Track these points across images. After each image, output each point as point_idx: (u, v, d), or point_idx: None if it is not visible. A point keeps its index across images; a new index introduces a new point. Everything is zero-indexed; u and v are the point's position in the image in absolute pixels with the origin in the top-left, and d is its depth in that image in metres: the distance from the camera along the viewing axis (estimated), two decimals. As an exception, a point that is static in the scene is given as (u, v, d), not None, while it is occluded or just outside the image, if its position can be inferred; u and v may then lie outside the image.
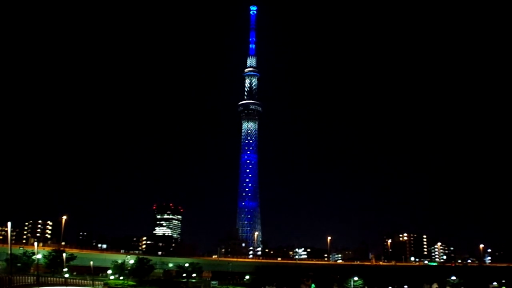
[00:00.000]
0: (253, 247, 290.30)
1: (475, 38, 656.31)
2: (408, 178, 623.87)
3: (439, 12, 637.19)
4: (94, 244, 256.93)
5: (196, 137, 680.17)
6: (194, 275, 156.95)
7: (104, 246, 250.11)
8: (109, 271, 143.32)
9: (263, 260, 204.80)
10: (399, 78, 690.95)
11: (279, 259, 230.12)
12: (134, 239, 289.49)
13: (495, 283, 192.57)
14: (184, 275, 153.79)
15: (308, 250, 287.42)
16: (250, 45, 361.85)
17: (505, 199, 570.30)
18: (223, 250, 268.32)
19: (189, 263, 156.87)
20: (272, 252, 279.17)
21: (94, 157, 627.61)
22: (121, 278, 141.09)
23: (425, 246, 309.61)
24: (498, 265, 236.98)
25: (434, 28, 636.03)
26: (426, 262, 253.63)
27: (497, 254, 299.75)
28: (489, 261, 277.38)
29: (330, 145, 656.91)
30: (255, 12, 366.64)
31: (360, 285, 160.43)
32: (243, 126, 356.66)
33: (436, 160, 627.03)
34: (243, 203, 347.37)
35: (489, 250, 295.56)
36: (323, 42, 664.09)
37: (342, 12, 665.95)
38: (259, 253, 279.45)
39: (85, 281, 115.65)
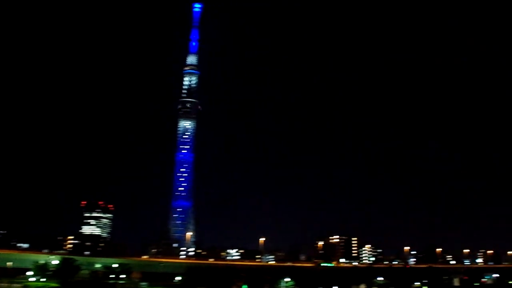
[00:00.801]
0: (186, 248, 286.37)
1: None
2: (341, 180, 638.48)
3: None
4: (13, 243, 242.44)
5: (130, 135, 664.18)
6: (123, 276, 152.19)
7: (26, 245, 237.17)
8: (30, 273, 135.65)
9: (195, 261, 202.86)
10: (336, 77, 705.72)
11: (211, 260, 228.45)
12: (59, 238, 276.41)
13: (417, 283, 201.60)
14: (112, 276, 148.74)
15: (241, 251, 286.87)
16: (192, 43, 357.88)
17: (429, 203, 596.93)
18: (155, 250, 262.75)
19: (118, 264, 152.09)
20: (204, 253, 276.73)
21: (16, 149, 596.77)
22: (43, 280, 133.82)
23: (354, 248, 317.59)
24: (421, 266, 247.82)
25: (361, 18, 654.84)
26: (355, 263, 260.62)
27: (420, 256, 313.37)
28: (413, 262, 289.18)
29: (266, 146, 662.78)
30: (199, 9, 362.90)
31: (292, 286, 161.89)
32: (180, 124, 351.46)
33: (366, 163, 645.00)
34: (177, 203, 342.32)
35: (414, 252, 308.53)
36: (266, 43, 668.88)
37: (287, 13, 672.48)
38: (192, 253, 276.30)
39: (1, 284, 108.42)
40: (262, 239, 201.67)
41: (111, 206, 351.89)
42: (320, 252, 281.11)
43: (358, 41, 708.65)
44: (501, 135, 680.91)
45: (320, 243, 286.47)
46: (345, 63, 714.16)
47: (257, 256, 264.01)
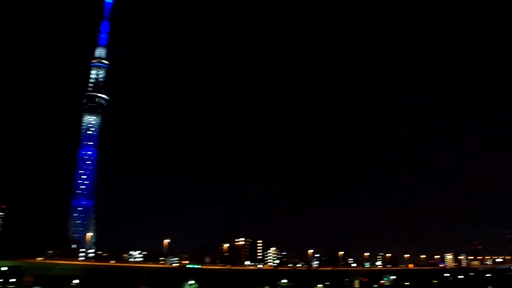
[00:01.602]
0: (85, 249, 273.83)
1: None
2: (247, 182, 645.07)
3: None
4: None
5: (30, 129, 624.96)
6: (12, 280, 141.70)
7: None
8: None
9: (94, 263, 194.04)
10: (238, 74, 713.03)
11: (112, 262, 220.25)
12: None
13: (320, 285, 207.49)
14: (1, 280, 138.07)
15: (145, 252, 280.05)
16: (101, 35, 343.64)
17: (332, 208, 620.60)
18: (51, 252, 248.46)
19: (8, 267, 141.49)
20: (105, 254, 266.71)
21: None
22: None
23: (259, 251, 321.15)
24: (323, 269, 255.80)
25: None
26: (260, 266, 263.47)
27: (323, 259, 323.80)
28: (317, 265, 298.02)
29: (175, 146, 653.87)
30: (110, 1, 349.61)
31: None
32: (84, 119, 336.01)
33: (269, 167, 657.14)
34: (77, 202, 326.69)
35: (317, 255, 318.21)
36: (176, 39, 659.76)
37: (200, 8, 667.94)
38: (92, 255, 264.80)
39: None
40: (166, 241, 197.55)
41: (3, 205, 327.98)
42: (226, 254, 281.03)
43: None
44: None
45: (226, 245, 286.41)
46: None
47: (160, 258, 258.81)
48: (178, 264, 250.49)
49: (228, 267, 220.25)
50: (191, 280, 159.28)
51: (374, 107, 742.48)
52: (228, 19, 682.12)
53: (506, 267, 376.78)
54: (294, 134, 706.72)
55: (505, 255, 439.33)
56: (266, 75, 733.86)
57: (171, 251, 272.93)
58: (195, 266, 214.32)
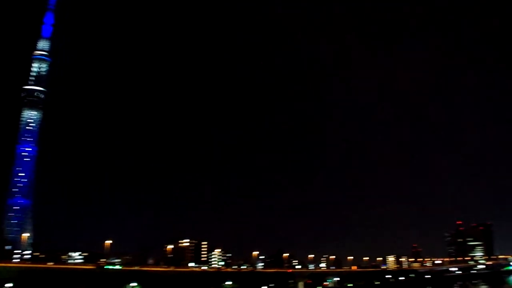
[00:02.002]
0: (21, 250, 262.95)
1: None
2: (192, 184, 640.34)
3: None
4: None
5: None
6: None
7: None
8: None
9: (30, 265, 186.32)
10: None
11: (50, 263, 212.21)
12: None
13: (264, 287, 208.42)
14: None
15: (85, 254, 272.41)
16: (44, 27, 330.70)
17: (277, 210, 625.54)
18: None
19: None
20: (43, 256, 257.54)
21: None
22: None
23: (204, 252, 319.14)
24: (268, 270, 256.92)
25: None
26: (204, 267, 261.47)
27: (268, 260, 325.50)
28: (261, 267, 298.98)
29: (119, 144, 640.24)
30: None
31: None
32: (23, 114, 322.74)
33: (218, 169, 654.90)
34: (14, 200, 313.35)
35: (262, 257, 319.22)
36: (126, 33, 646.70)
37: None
38: (28, 257, 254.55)
39: None
40: (108, 242, 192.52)
41: None
42: (169, 256, 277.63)
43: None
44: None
45: (170, 246, 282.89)
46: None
47: (101, 260, 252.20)
48: (120, 266, 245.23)
49: (171, 269, 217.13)
50: (133, 282, 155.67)
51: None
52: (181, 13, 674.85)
53: (445, 268, 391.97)
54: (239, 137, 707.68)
55: (444, 257, 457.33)
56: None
57: (113, 252, 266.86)
58: (115, 267, 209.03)
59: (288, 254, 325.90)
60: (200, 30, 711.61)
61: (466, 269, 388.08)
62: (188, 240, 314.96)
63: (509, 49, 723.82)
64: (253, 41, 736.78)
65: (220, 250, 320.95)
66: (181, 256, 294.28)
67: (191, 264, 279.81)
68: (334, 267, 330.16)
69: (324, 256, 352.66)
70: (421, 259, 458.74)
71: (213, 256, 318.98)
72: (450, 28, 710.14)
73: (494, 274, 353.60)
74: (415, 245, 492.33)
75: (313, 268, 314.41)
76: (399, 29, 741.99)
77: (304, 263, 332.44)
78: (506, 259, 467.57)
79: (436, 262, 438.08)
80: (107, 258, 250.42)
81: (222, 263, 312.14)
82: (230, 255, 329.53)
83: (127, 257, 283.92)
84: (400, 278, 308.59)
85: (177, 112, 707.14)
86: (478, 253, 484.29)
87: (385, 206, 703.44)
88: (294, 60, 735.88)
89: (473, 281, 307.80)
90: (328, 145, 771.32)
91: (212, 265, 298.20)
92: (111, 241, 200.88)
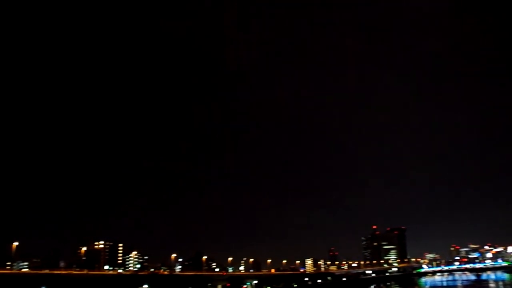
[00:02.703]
0: None
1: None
2: (109, 184, 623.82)
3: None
4: None
5: None
6: None
7: None
8: None
9: None
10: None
11: None
12: None
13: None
14: None
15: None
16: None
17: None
18: None
19: None
20: None
21: None
22: None
23: (120, 255, 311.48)
24: (187, 273, 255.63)
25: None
26: (120, 271, 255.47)
27: (186, 263, 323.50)
28: (180, 269, 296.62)
29: (32, 143, 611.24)
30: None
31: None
32: None
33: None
34: None
35: (180, 260, 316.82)
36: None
37: None
38: None
39: None
40: (14, 244, 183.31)
41: None
42: (83, 258, 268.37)
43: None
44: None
45: (83, 249, 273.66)
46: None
47: (7, 263, 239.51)
48: (28, 269, 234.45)
49: (85, 272, 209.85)
50: (42, 286, 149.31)
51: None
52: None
53: (361, 271, 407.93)
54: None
55: (360, 260, 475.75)
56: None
57: (20, 255, 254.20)
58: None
59: (206, 257, 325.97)
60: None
61: (380, 272, 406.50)
62: (103, 242, 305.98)
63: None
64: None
65: (136, 252, 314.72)
66: (95, 258, 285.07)
67: (106, 267, 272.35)
68: (252, 270, 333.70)
69: (243, 259, 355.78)
70: (338, 262, 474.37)
71: (129, 258, 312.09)
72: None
73: (406, 276, 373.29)
74: (333, 248, 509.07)
75: (231, 271, 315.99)
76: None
77: (223, 266, 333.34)
78: (418, 261, 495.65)
79: (352, 265, 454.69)
80: (13, 261, 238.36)
81: (139, 266, 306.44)
82: (147, 257, 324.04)
83: (36, 260, 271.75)
84: (318, 281, 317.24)
85: (91, 111, 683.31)
86: (392, 257, 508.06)
87: (304, 210, 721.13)
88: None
89: (387, 283, 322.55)
90: (245, 151, 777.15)
91: (129, 268, 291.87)
92: (17, 243, 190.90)
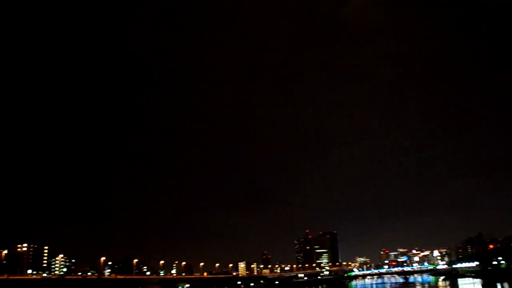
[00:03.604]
0: None
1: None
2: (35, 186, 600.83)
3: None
4: None
5: None
6: None
7: None
8: None
9: None
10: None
11: None
12: None
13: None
14: None
15: None
16: None
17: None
18: None
19: None
20: None
21: None
22: None
23: (45, 258, 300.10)
24: (116, 277, 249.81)
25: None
26: (44, 275, 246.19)
27: (116, 266, 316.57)
28: (109, 273, 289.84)
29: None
30: None
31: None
32: None
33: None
34: None
35: (110, 263, 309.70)
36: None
37: None
38: None
39: None
40: None
41: None
42: (3, 262, 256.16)
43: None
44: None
45: (4, 252, 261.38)
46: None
47: None
48: None
49: (5, 277, 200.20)
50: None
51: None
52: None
53: (293, 274, 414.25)
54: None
55: (293, 264, 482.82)
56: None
57: None
58: None
59: (137, 260, 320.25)
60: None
61: (312, 275, 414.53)
62: (26, 245, 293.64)
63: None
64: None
65: (63, 255, 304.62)
66: (18, 262, 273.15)
67: (29, 271, 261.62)
68: (185, 274, 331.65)
69: (175, 262, 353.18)
70: (271, 266, 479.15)
71: (55, 262, 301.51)
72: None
73: (338, 279, 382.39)
74: (266, 252, 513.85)
75: (163, 274, 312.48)
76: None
77: (154, 269, 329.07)
78: (349, 265, 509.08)
79: (285, 268, 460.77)
80: None
81: (65, 269, 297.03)
82: (74, 260, 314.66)
83: None
84: (250, 284, 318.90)
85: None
86: (325, 260, 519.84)
87: (239, 213, 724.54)
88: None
89: (318, 287, 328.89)
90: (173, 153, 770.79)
91: (54, 272, 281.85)
92: None
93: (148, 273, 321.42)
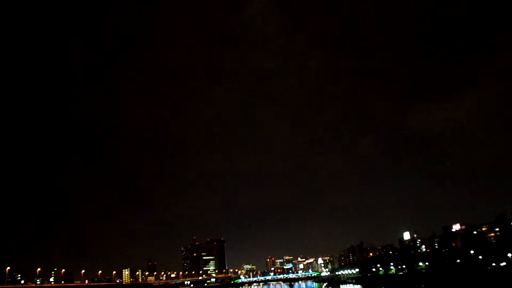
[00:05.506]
0: None
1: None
2: None
3: None
4: None
5: None
6: None
7: None
8: None
9: None
10: None
11: None
12: None
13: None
14: None
15: None
16: None
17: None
18: None
19: None
20: None
21: None
22: None
23: None
24: None
25: None
26: None
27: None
28: None
29: None
30: None
31: None
32: None
33: None
34: None
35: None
36: None
37: None
38: None
39: None
40: None
41: None
42: None
43: None
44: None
45: None
46: None
47: None
48: None
49: None
50: None
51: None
52: None
53: (179, 282, 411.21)
54: None
55: (179, 271, 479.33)
56: None
57: None
58: None
59: (10, 268, 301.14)
60: None
61: (199, 282, 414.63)
62: None
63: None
64: None
65: None
66: None
67: None
68: (64, 281, 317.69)
69: (54, 269, 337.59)
70: (157, 273, 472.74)
71: None
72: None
73: (224, 286, 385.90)
74: (152, 259, 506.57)
75: (40, 283, 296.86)
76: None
77: (30, 277, 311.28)
78: (236, 272, 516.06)
79: (171, 275, 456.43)
80: None
81: None
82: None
83: None
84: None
85: None
86: (212, 267, 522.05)
87: (126, 220, 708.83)
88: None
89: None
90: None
91: None
92: None
93: (22, 281, 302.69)
